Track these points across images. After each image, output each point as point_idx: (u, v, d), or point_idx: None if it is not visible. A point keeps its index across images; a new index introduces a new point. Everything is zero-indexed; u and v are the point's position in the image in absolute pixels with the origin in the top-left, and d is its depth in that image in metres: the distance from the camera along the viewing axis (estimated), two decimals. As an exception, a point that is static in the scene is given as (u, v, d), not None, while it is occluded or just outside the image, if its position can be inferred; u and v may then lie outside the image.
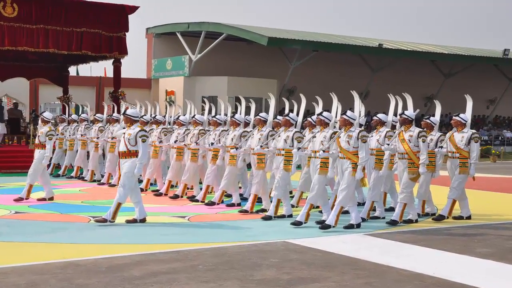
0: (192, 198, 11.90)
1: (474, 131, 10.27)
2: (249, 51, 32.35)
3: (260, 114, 10.83)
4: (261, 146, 10.26)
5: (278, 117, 11.28)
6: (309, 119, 11.03)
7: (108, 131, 14.59)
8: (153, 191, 13.05)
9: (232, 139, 11.14)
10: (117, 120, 14.41)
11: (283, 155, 9.87)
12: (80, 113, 20.87)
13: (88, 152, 15.54)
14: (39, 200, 11.53)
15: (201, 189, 11.91)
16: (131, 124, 9.61)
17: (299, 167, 10.30)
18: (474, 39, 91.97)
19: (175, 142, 12.43)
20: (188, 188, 12.38)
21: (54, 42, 17.89)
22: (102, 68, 32.76)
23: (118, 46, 18.94)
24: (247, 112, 12.36)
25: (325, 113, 9.62)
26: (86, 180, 15.14)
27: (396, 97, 10.55)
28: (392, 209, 10.33)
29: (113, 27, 18.82)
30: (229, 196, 11.54)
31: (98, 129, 15.09)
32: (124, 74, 20.97)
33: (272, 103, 11.06)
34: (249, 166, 11.30)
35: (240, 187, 12.09)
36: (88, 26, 18.32)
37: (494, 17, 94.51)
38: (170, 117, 14.42)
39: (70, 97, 22.55)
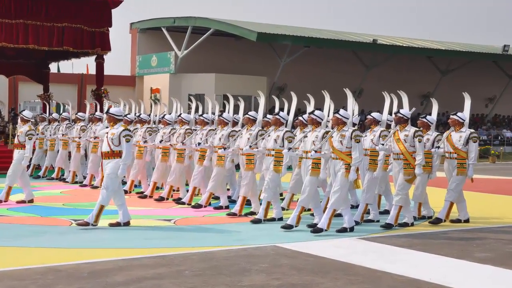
0: (178, 201, 11.83)
1: (472, 130, 10.20)
2: (237, 47, 32.23)
3: (249, 113, 10.77)
4: (250, 146, 10.15)
5: (268, 116, 11.23)
6: (300, 118, 10.98)
7: (90, 130, 14.53)
8: (137, 193, 12.93)
9: (220, 139, 11.05)
10: (100, 119, 14.36)
11: (273, 155, 9.79)
12: (61, 111, 20.81)
13: (69, 153, 15.44)
14: (18, 202, 11.41)
15: (187, 191, 11.80)
16: (114, 123, 9.51)
17: (289, 168, 10.25)
18: (472, 34, 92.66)
19: (160, 142, 12.34)
20: (174, 190, 12.29)
21: (34, 37, 17.78)
22: (84, 65, 32.66)
23: (101, 41, 18.84)
24: (236, 110, 12.30)
25: (317, 112, 9.48)
26: (67, 182, 15.01)
27: (391, 95, 10.49)
28: (387, 212, 10.28)
29: (95, 22, 18.68)
30: (217, 198, 11.43)
31: (80, 129, 14.99)
32: (107, 71, 20.94)
33: (262, 101, 11.09)
34: (237, 167, 11.24)
35: (228, 189, 12.04)
36: (69, 21, 18.16)
37: (494, 12, 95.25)
38: (155, 116, 14.34)
39: (50, 95, 22.50)
